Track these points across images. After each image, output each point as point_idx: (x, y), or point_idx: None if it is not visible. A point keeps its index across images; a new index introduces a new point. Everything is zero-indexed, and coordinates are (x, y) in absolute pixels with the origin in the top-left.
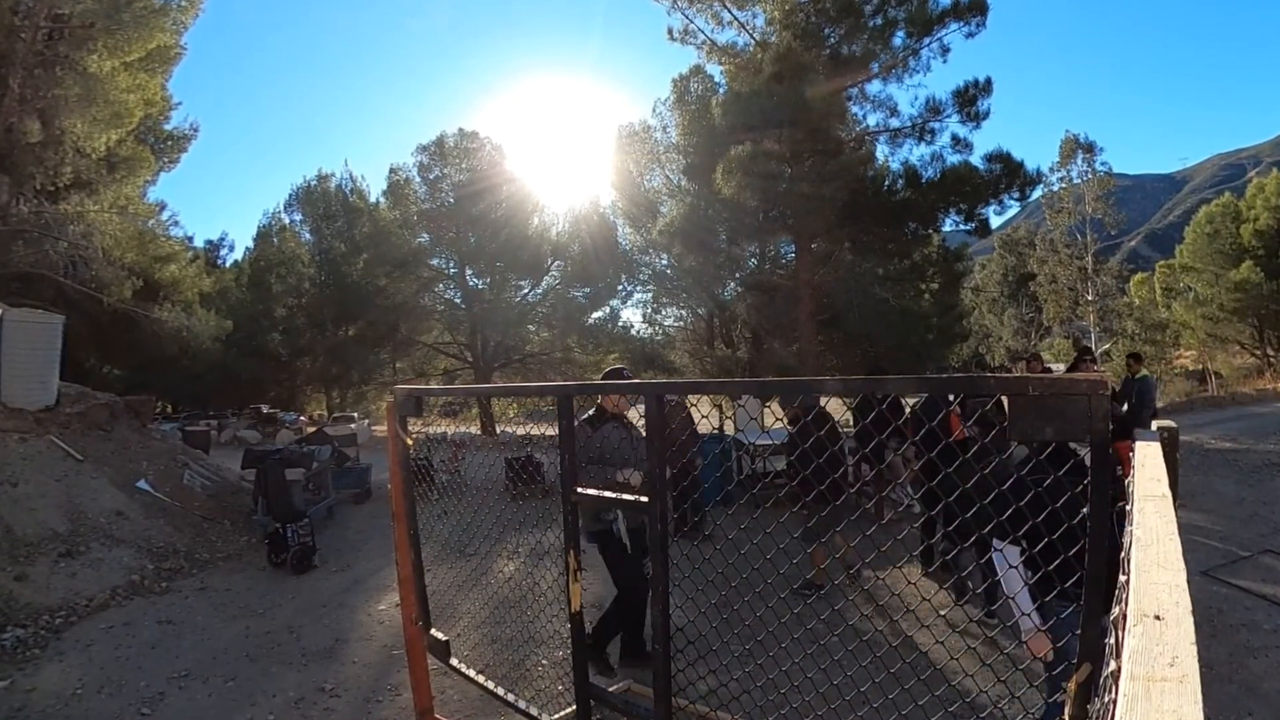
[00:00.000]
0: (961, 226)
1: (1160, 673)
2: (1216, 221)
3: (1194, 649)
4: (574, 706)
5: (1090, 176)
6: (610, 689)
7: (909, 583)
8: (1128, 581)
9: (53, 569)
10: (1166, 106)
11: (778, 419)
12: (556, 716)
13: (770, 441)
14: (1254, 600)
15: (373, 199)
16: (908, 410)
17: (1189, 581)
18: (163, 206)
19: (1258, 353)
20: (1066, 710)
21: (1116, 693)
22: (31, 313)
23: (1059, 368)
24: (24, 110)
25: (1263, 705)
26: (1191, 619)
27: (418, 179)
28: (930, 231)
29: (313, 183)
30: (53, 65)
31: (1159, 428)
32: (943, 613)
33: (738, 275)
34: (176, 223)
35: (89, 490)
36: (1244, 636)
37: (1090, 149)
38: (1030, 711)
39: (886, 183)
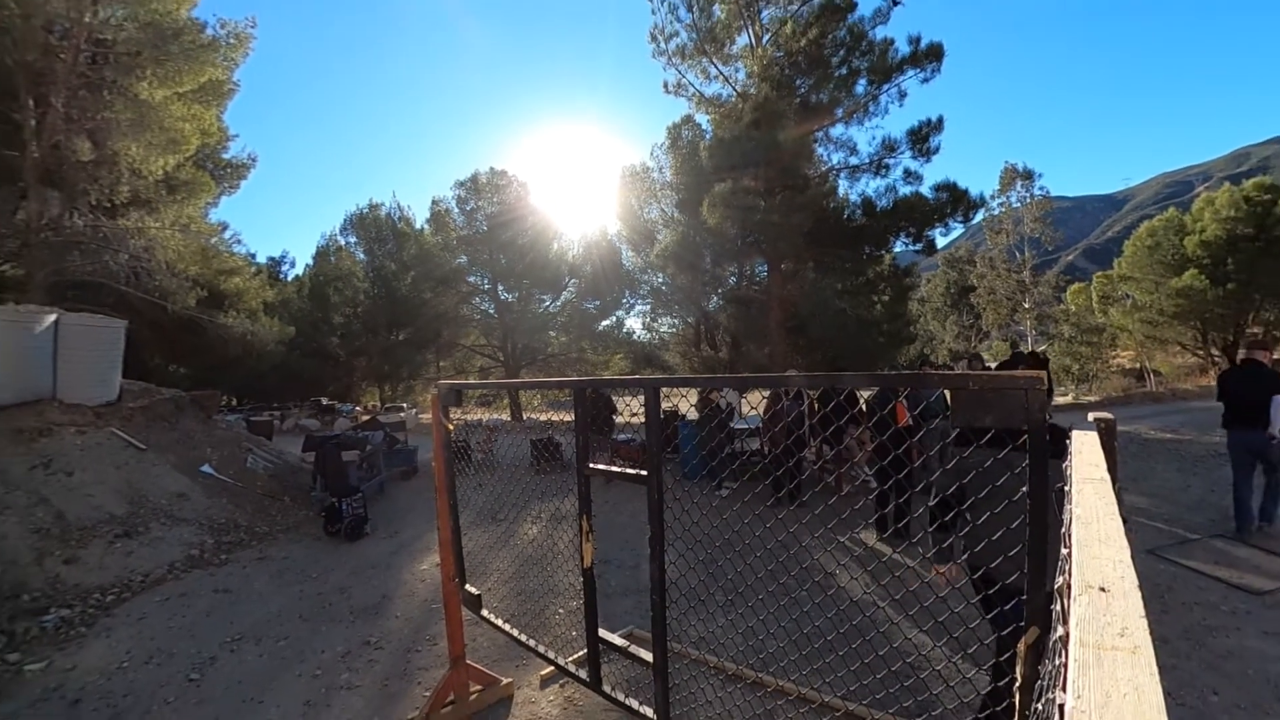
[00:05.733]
0: (911, 247)
1: (1110, 642)
2: (1158, 235)
3: (1145, 622)
4: (585, 650)
5: (1029, 200)
6: (615, 635)
7: (866, 546)
8: (1069, 554)
9: (107, 550)
10: (1110, 130)
11: (753, 408)
12: (571, 659)
13: (746, 426)
14: (1207, 581)
15: (418, 225)
16: (862, 402)
17: (1134, 559)
18: (225, 226)
19: (1200, 353)
20: (1018, 669)
21: (1067, 657)
22: (91, 317)
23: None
24: (71, 129)
25: (1227, 683)
26: (1139, 593)
27: (456, 209)
28: (883, 252)
29: (365, 210)
30: (99, 88)
31: (1095, 418)
32: (897, 573)
33: (720, 291)
34: (239, 241)
35: (150, 476)
36: (1199, 615)
37: (1029, 176)
38: (982, 668)
39: (846, 212)
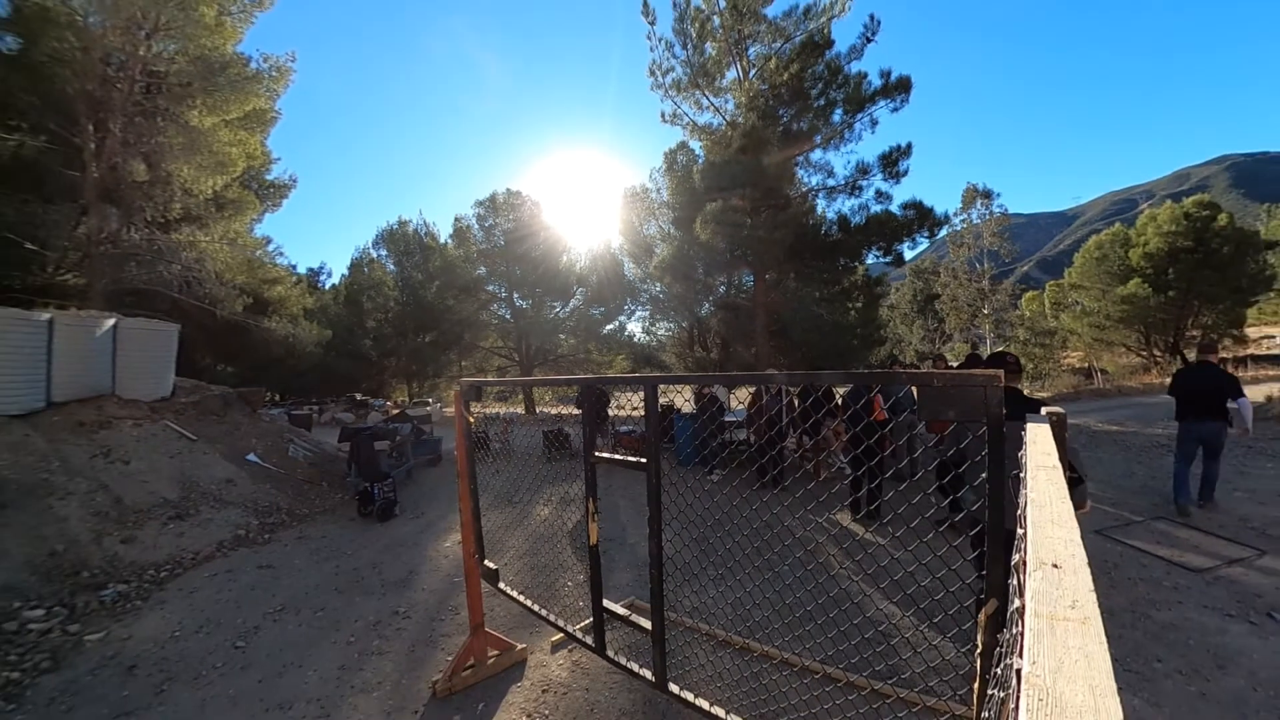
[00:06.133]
0: (881, 259)
1: (1063, 613)
2: (1105, 247)
3: (1093, 595)
4: (591, 619)
5: (988, 217)
6: (618, 605)
7: (841, 526)
8: (1025, 535)
9: (161, 530)
10: (1062, 153)
11: (739, 402)
12: (578, 626)
13: (734, 419)
14: (1150, 559)
15: (442, 240)
16: (839, 397)
17: (1083, 538)
18: (268, 240)
19: (1144, 354)
20: (978, 637)
21: (1023, 627)
22: (147, 321)
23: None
24: (128, 152)
25: (1169, 652)
26: (1088, 569)
27: (476, 226)
28: (856, 264)
29: (394, 226)
30: (153, 115)
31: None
32: (870, 550)
33: (711, 298)
34: (281, 253)
35: (201, 464)
36: (1143, 590)
37: (988, 195)
38: (946, 636)
39: (823, 228)
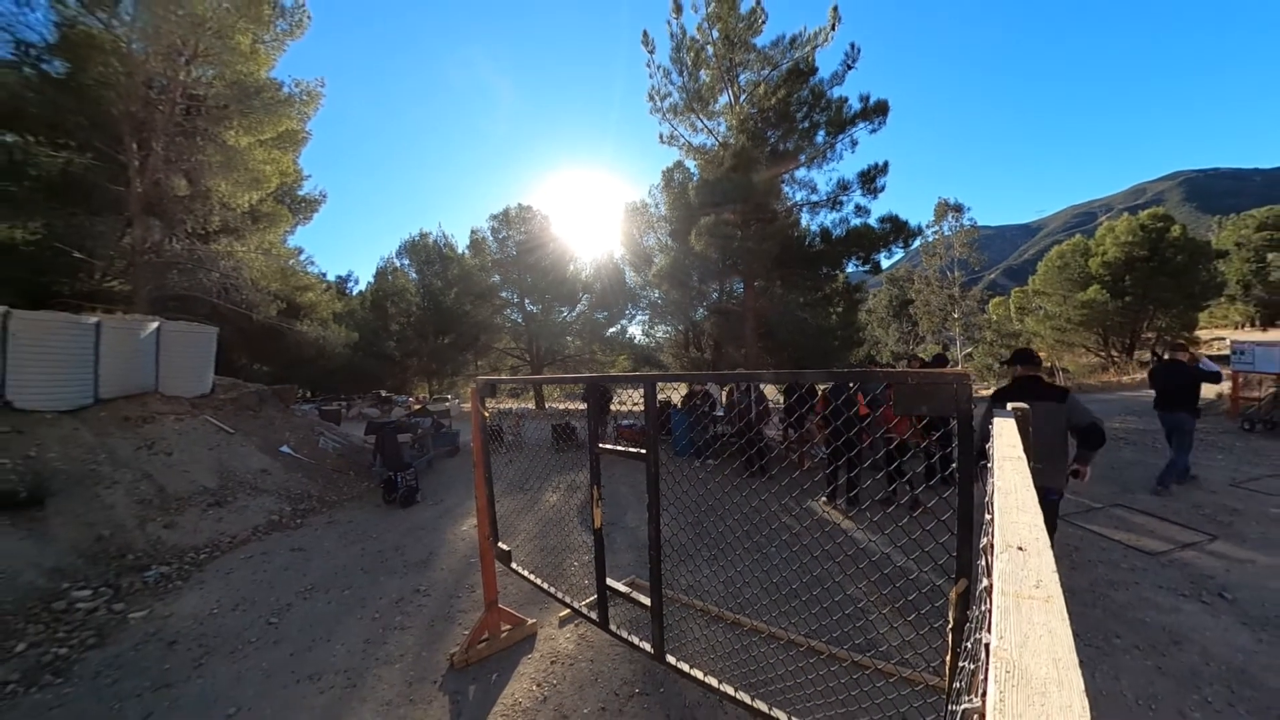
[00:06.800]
0: (860, 268)
1: (1028, 591)
2: (1067, 256)
3: (1056, 576)
4: (595, 596)
5: (958, 228)
6: (620, 583)
7: (822, 511)
8: (992, 519)
9: (201, 516)
10: (1026, 169)
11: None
12: (583, 603)
13: (723, 413)
14: (1109, 543)
15: (460, 250)
16: (820, 393)
17: (1046, 523)
18: (300, 250)
19: (1102, 354)
20: (950, 614)
21: (991, 605)
22: (189, 325)
23: None
24: (170, 169)
25: (1128, 629)
26: (1051, 552)
27: (491, 238)
28: (837, 272)
29: (416, 238)
30: (193, 135)
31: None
32: (847, 533)
33: (705, 304)
34: (313, 262)
35: (238, 455)
36: (1102, 571)
37: (958, 209)
38: (922, 613)
39: (807, 240)
